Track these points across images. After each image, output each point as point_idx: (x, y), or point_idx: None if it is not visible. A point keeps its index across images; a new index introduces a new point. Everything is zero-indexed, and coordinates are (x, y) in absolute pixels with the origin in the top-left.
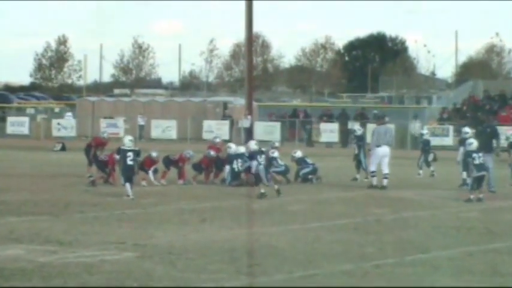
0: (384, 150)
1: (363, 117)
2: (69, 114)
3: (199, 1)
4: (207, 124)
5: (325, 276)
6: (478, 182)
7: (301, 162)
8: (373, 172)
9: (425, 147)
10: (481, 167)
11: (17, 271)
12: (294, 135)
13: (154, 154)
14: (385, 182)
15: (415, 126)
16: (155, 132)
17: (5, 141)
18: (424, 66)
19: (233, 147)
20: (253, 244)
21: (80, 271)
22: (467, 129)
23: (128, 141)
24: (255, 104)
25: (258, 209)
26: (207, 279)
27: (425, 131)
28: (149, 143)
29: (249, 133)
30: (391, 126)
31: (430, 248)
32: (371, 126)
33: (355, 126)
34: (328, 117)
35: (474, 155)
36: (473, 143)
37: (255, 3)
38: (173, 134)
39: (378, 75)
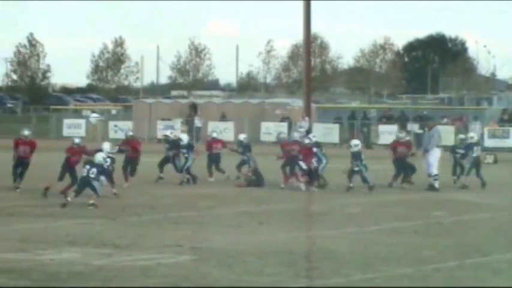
0: (440, 151)
1: (422, 120)
2: (95, 114)
3: (256, 1)
4: (265, 126)
5: (384, 280)
6: None
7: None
8: (436, 175)
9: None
10: None
11: (74, 274)
12: (353, 137)
13: (214, 135)
14: (436, 183)
15: (475, 128)
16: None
17: (61, 143)
18: (484, 67)
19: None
20: (310, 247)
21: (136, 274)
22: None
23: (107, 146)
24: (313, 105)
25: (316, 211)
26: (264, 282)
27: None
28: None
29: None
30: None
31: (490, 251)
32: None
33: (352, 142)
34: (387, 118)
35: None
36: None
37: (313, 4)
38: (230, 135)
39: (437, 76)
